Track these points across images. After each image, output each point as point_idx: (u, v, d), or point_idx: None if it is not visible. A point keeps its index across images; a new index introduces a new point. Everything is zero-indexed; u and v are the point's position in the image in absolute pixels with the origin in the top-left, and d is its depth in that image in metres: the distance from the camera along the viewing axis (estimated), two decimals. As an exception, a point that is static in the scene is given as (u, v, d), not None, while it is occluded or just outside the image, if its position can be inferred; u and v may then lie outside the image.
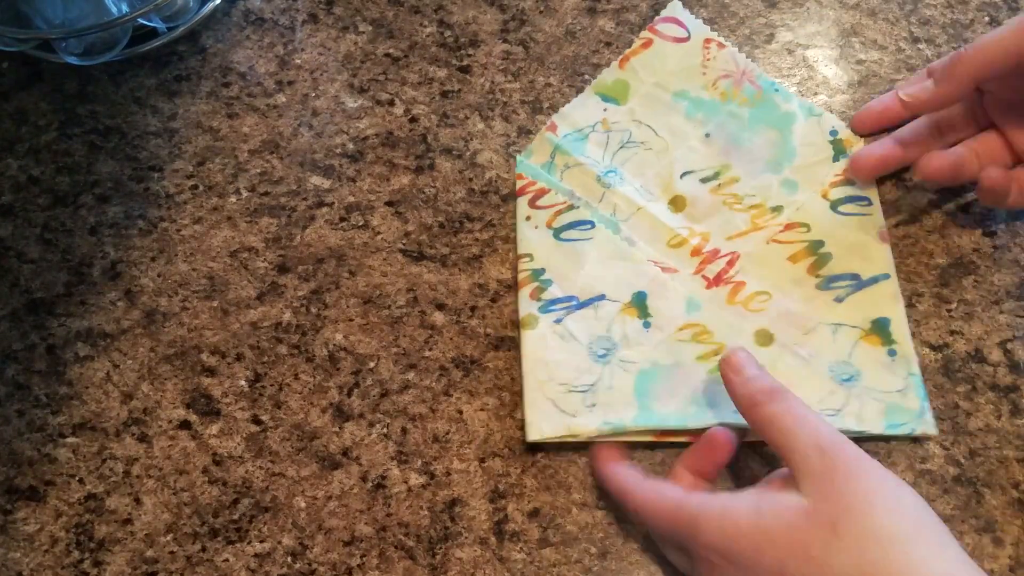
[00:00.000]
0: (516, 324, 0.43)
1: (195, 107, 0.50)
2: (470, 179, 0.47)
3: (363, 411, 0.42)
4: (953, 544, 0.31)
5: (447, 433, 0.41)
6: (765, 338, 0.42)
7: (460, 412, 0.42)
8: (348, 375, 0.43)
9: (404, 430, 0.41)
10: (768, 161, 0.46)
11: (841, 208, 0.45)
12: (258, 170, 0.48)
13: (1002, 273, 0.44)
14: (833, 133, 0.47)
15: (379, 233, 0.46)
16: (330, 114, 0.49)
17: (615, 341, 0.41)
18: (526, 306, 0.42)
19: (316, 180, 0.48)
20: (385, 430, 0.41)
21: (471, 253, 0.45)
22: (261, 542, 0.39)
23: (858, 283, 0.43)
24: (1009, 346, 0.42)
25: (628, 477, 0.37)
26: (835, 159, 0.46)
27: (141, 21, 0.49)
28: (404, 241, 0.46)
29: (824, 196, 0.45)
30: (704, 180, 0.46)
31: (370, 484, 0.40)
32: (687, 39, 0.49)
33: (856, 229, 0.44)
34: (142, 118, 0.50)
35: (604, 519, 0.39)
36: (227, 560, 0.39)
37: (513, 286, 0.44)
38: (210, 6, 0.51)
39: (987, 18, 0.51)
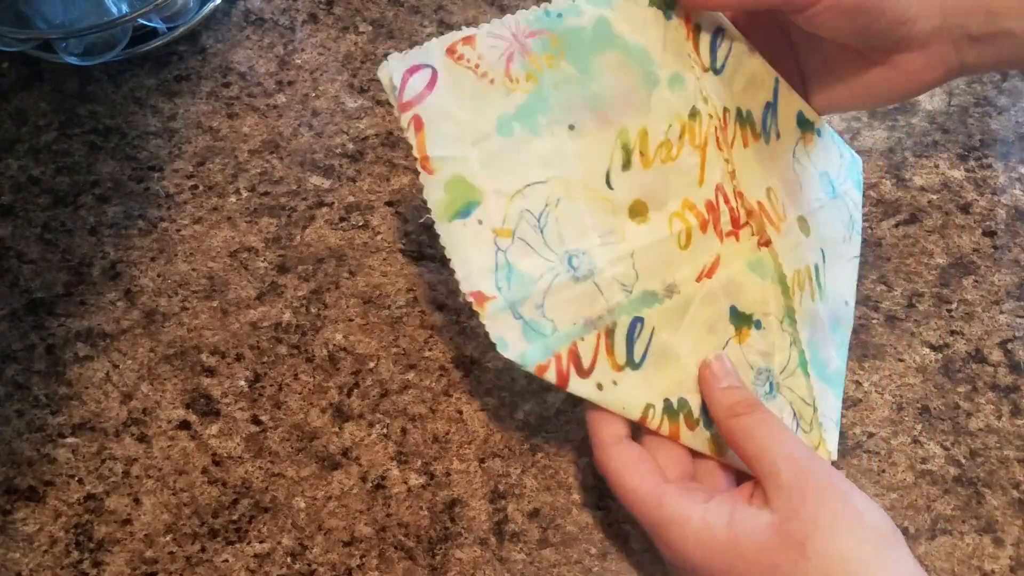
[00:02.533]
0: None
1: (195, 107, 0.50)
2: (470, 179, 0.47)
3: (363, 411, 0.42)
4: (911, 568, 0.31)
5: (447, 433, 0.41)
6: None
7: (460, 412, 0.42)
8: (348, 375, 0.42)
9: (404, 430, 0.41)
10: (640, 84, 0.37)
11: (719, 65, 0.39)
12: (258, 170, 0.48)
13: (1002, 273, 0.44)
14: None
15: (379, 233, 0.46)
16: (330, 114, 0.49)
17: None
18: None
19: (316, 180, 0.48)
20: (385, 430, 0.41)
21: (471, 253, 0.45)
22: (261, 542, 0.39)
23: (772, 106, 0.40)
24: (1009, 346, 0.42)
25: (616, 456, 0.35)
26: (667, 17, 0.37)
27: (141, 21, 0.49)
28: (404, 241, 0.46)
29: (703, 69, 0.38)
30: (625, 165, 0.37)
31: (370, 484, 0.40)
32: (435, 72, 0.35)
33: (739, 71, 0.39)
34: (142, 118, 0.50)
35: (604, 519, 0.39)
36: (227, 560, 0.39)
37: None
38: (210, 6, 0.51)
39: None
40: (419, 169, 0.34)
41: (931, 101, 0.51)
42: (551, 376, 0.34)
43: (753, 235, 0.39)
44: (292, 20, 0.52)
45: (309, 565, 0.39)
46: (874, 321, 0.44)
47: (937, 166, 0.48)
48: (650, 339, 0.36)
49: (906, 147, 0.49)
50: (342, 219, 0.46)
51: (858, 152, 0.45)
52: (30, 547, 0.39)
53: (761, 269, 0.38)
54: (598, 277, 0.36)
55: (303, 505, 0.40)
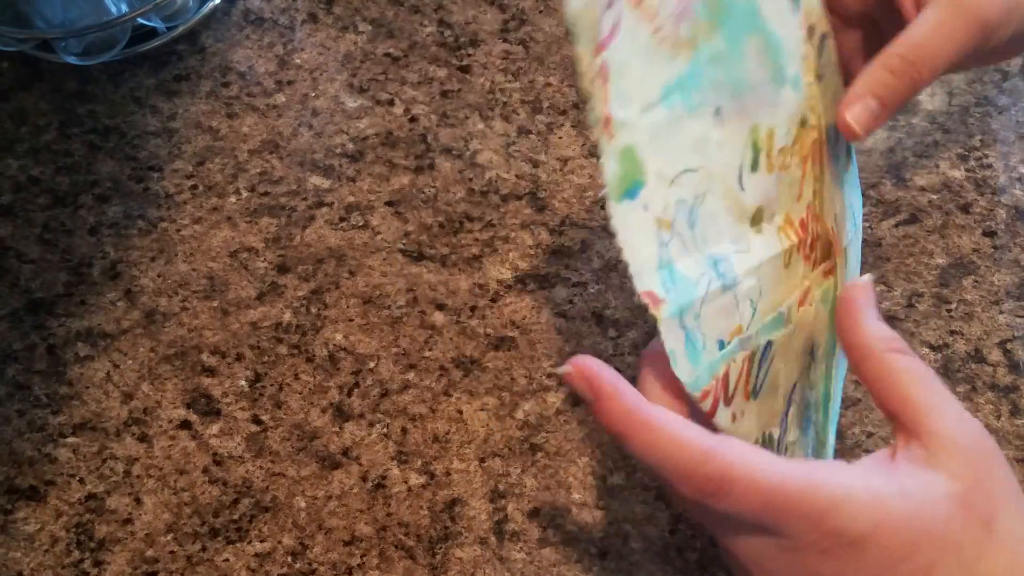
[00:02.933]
0: (515, 324, 0.43)
1: (195, 107, 0.50)
2: (470, 179, 0.47)
3: (363, 411, 0.42)
4: None
5: (447, 433, 0.41)
6: None
7: (460, 412, 0.42)
8: (348, 375, 0.43)
9: (404, 430, 0.41)
10: (771, 79, 0.32)
11: (820, 74, 0.35)
12: (258, 170, 0.48)
13: (1002, 273, 0.44)
14: None
15: (379, 233, 0.46)
16: (330, 114, 0.49)
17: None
18: None
19: (316, 180, 0.48)
20: (385, 430, 0.41)
21: (471, 253, 0.45)
22: (261, 542, 0.39)
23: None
24: (1009, 346, 0.42)
25: (728, 448, 0.27)
26: (795, 10, 0.33)
27: (140, 21, 0.49)
28: (404, 241, 0.46)
29: (815, 75, 0.34)
30: (753, 166, 0.32)
31: (370, 484, 0.40)
32: (620, 14, 0.28)
33: (830, 85, 0.35)
34: (141, 118, 0.50)
35: (604, 519, 0.39)
36: (227, 560, 0.39)
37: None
38: (209, 6, 0.51)
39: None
40: (599, 131, 0.28)
41: (931, 101, 0.51)
42: (708, 404, 0.29)
43: (819, 263, 0.35)
44: (292, 19, 0.52)
45: (309, 564, 0.39)
46: (874, 321, 0.44)
47: (937, 166, 0.48)
48: (769, 366, 0.32)
49: (906, 147, 0.49)
50: (342, 219, 0.46)
51: (858, 152, 0.45)
52: (31, 546, 0.39)
53: (827, 300, 0.35)
54: (737, 290, 0.30)
55: (303, 504, 0.40)
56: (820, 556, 0.26)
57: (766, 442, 0.32)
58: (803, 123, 0.34)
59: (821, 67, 0.34)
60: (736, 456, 0.27)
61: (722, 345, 0.30)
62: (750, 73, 0.31)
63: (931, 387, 0.28)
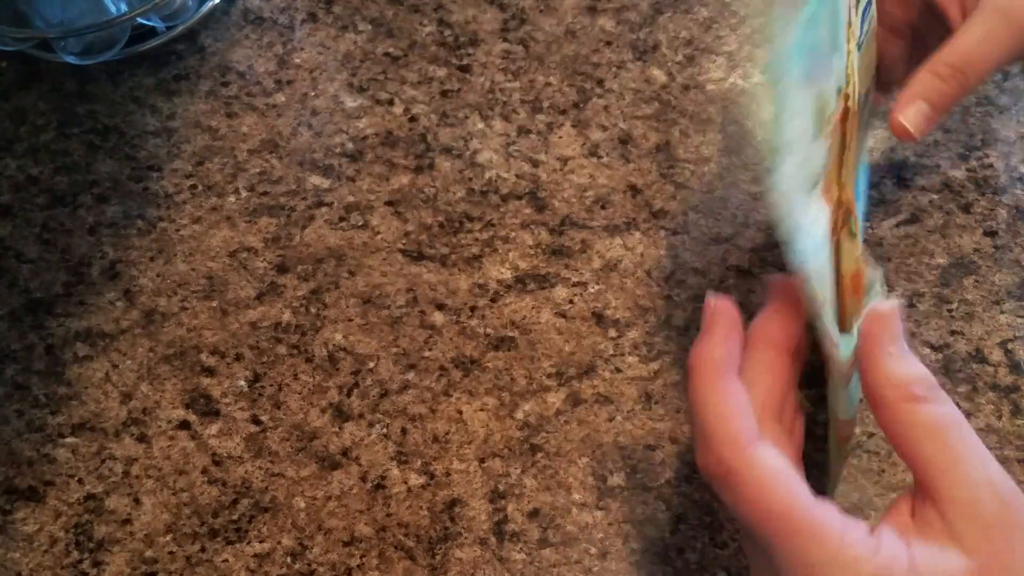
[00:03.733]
0: (515, 324, 0.43)
1: (194, 106, 0.50)
2: (470, 179, 0.47)
3: (363, 411, 0.42)
4: None
5: (447, 433, 0.41)
6: None
7: (460, 412, 0.42)
8: (348, 375, 0.42)
9: (404, 430, 0.41)
10: (831, 47, 0.33)
11: (860, 42, 0.34)
12: (257, 170, 0.48)
13: (1003, 273, 0.44)
14: None
15: (379, 233, 0.46)
16: (329, 113, 0.49)
17: None
18: None
19: (315, 180, 0.47)
20: (385, 430, 0.41)
21: (471, 253, 0.45)
22: (261, 542, 0.39)
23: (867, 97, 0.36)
24: (1010, 346, 0.42)
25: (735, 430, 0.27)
26: None
27: (140, 20, 0.49)
28: (404, 241, 0.46)
29: (856, 43, 0.33)
30: (815, 134, 0.32)
31: (370, 484, 0.40)
32: None
33: (868, 53, 0.35)
34: (141, 117, 0.50)
35: (604, 519, 0.39)
36: (227, 560, 0.39)
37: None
38: (209, 5, 0.51)
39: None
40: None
41: (931, 100, 0.51)
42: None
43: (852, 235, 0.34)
44: (291, 19, 0.52)
45: (309, 565, 0.38)
46: (874, 321, 0.44)
47: (938, 166, 0.48)
48: None
49: (907, 147, 0.49)
50: (342, 219, 0.46)
51: (858, 151, 0.45)
52: (30, 547, 0.39)
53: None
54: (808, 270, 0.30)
55: (303, 505, 0.40)
56: None
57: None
58: (838, 91, 0.33)
59: (862, 36, 0.34)
60: (759, 461, 0.26)
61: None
62: (822, 39, 0.31)
63: (949, 443, 0.26)
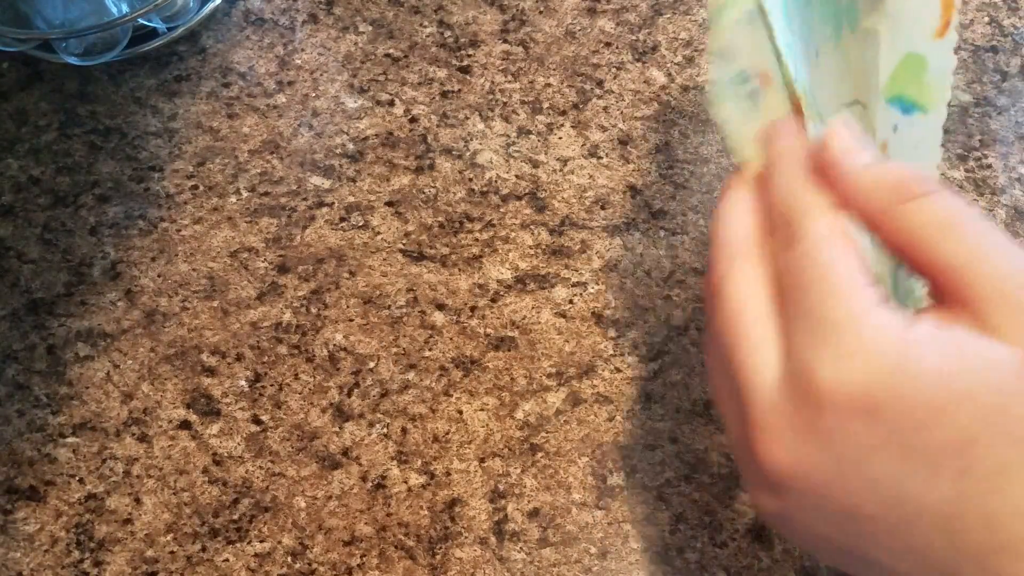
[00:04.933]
0: (515, 324, 0.43)
1: (195, 107, 0.50)
2: (470, 179, 0.47)
3: (363, 411, 0.42)
4: None
5: (447, 433, 0.41)
6: None
7: (460, 412, 0.42)
8: (348, 375, 0.43)
9: (404, 430, 0.41)
10: (829, 36, 0.31)
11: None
12: (258, 170, 0.48)
13: (1002, 273, 0.44)
14: None
15: (379, 233, 0.46)
16: (330, 114, 0.49)
17: None
18: None
19: (316, 180, 0.48)
20: (385, 430, 0.41)
21: (471, 253, 0.45)
22: (261, 542, 0.39)
23: None
24: (1009, 346, 0.42)
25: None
26: None
27: (141, 21, 0.49)
28: (404, 241, 0.46)
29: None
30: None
31: (370, 484, 0.40)
32: None
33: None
34: (142, 118, 0.50)
35: (604, 519, 0.39)
36: (227, 560, 0.39)
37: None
38: (210, 6, 0.51)
39: (987, 18, 0.51)
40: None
41: (931, 101, 0.51)
42: None
43: None
44: (292, 20, 0.52)
45: (309, 564, 0.39)
46: (874, 321, 0.44)
47: (937, 166, 0.48)
48: None
49: (906, 147, 0.49)
50: (342, 219, 0.46)
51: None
52: (31, 547, 0.39)
53: None
54: None
55: (303, 505, 0.40)
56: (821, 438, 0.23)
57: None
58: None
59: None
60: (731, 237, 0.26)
61: None
62: (817, 28, 0.31)
63: (967, 237, 0.22)
